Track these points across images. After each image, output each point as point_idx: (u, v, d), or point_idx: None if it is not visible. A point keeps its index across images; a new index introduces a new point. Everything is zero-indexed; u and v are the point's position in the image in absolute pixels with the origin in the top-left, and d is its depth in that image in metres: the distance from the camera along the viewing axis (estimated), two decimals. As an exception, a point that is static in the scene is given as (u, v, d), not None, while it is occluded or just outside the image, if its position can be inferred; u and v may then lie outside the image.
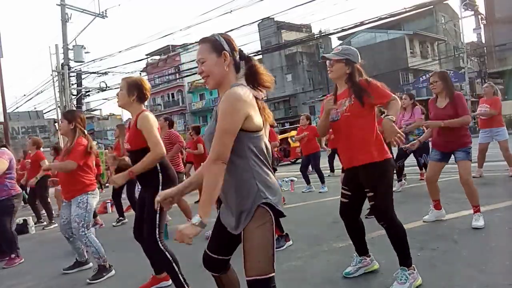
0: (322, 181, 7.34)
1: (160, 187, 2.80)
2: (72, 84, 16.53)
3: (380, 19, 14.88)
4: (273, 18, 28.08)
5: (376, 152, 2.58)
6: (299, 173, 7.98)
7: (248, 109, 1.59)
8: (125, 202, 6.57)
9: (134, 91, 2.88)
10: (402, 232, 2.60)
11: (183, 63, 31.57)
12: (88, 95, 18.13)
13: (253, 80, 1.72)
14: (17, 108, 27.05)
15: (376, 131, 2.65)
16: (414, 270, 2.57)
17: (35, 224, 7.03)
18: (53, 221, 7.03)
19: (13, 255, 4.57)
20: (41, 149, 7.05)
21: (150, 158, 2.76)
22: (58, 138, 16.57)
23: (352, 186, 2.75)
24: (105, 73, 17.43)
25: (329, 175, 9.22)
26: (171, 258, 2.78)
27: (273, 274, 1.64)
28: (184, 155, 6.88)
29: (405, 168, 6.54)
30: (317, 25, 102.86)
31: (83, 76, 17.20)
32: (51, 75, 16.98)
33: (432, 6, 28.27)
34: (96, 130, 35.82)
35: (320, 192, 7.06)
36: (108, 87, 17.20)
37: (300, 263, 3.37)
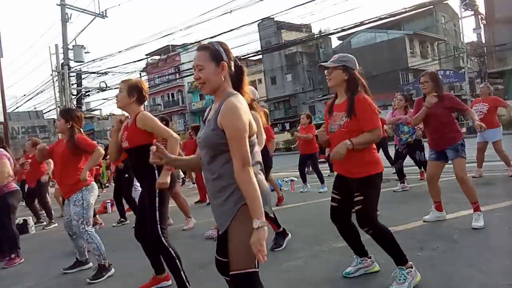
0: (322, 181, 7.35)
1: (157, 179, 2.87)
2: (72, 84, 16.55)
3: (380, 19, 14.92)
4: (273, 18, 28.04)
5: (369, 166, 2.62)
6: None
7: (248, 116, 1.71)
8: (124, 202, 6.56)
9: (134, 92, 2.96)
10: (388, 234, 2.61)
11: (183, 63, 31.57)
12: (88, 95, 18.18)
13: (237, 92, 1.81)
14: (17, 108, 27.07)
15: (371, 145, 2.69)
16: (412, 268, 2.58)
17: (35, 224, 7.02)
18: (53, 220, 7.03)
19: (13, 255, 4.56)
20: None
21: (172, 146, 2.85)
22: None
23: (342, 190, 2.79)
24: (105, 73, 17.46)
25: (329, 175, 9.22)
26: (175, 255, 2.80)
27: (256, 269, 1.70)
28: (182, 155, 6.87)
29: (404, 168, 6.54)
30: (317, 25, 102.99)
31: (83, 76, 17.23)
32: (51, 75, 17.00)
33: (432, 6, 28.32)
34: (96, 130, 35.77)
35: (320, 192, 7.06)
36: (108, 87, 17.22)
37: (300, 263, 3.37)
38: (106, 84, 17.19)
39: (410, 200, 5.57)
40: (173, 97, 46.20)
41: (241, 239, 1.67)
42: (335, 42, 39.93)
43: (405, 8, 14.66)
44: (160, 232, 2.80)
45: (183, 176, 8.22)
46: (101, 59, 18.20)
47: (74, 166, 3.67)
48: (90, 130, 34.03)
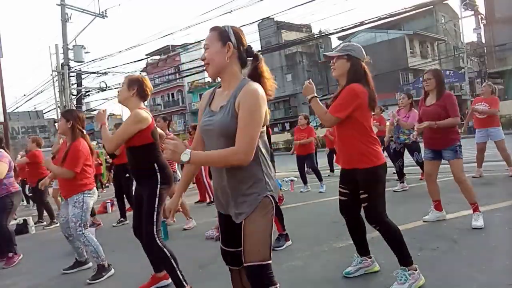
0: (320, 179, 7.33)
1: (158, 186, 2.84)
2: (72, 84, 16.52)
3: (380, 19, 14.88)
4: (273, 18, 28.06)
5: (369, 157, 2.58)
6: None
7: (265, 105, 1.68)
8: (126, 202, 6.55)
9: (134, 86, 2.89)
10: (397, 233, 2.58)
11: (183, 63, 31.54)
12: (88, 95, 18.13)
13: (256, 82, 1.72)
14: (17, 108, 27.09)
15: (370, 136, 2.61)
16: (416, 270, 2.55)
17: (35, 223, 7.02)
18: (55, 220, 7.02)
19: (10, 254, 4.57)
20: (41, 148, 7.03)
21: (104, 140, 2.89)
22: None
23: (349, 184, 2.76)
24: (105, 73, 17.43)
25: (329, 175, 9.22)
26: (169, 255, 2.79)
27: (271, 261, 1.69)
28: None
29: (404, 168, 6.54)
30: (317, 25, 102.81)
31: (83, 76, 17.20)
32: (51, 75, 17.01)
33: (432, 6, 28.30)
34: (96, 130, 35.74)
35: (320, 192, 7.06)
36: (108, 87, 17.19)
37: (300, 263, 3.37)
38: (106, 84, 17.17)
39: (410, 200, 5.57)
40: (173, 97, 46.19)
41: (261, 229, 1.68)
42: (335, 42, 39.95)
43: (405, 8, 14.61)
44: (155, 233, 2.78)
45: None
46: (101, 59, 18.28)
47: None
48: (90, 130, 33.98)
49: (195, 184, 7.99)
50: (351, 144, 2.62)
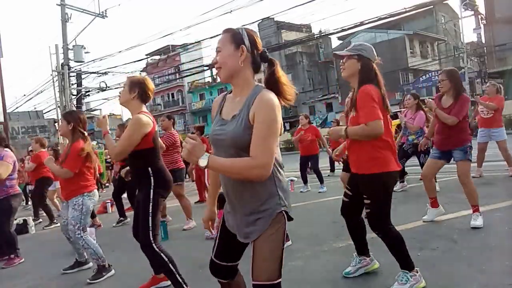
0: (321, 181, 7.34)
1: (152, 190, 2.79)
2: (72, 84, 16.51)
3: (380, 19, 14.88)
4: (273, 18, 28.01)
5: (377, 163, 2.50)
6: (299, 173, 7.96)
7: (280, 114, 1.58)
8: (125, 202, 6.55)
9: (135, 88, 2.85)
10: (398, 240, 2.55)
11: (183, 63, 31.52)
12: (88, 95, 18.12)
13: (274, 89, 1.63)
14: (17, 108, 27.07)
15: (383, 140, 2.52)
16: (417, 273, 2.54)
17: (34, 224, 7.02)
18: (55, 220, 7.02)
19: (12, 255, 4.56)
20: (44, 149, 7.03)
21: (110, 150, 2.88)
22: (58, 138, 16.55)
23: (355, 188, 2.72)
24: (105, 73, 17.42)
25: (328, 175, 9.21)
26: (167, 259, 2.76)
27: (280, 279, 1.61)
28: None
29: (405, 168, 6.53)
30: (317, 25, 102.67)
31: (83, 76, 17.19)
32: (51, 75, 16.98)
33: (432, 6, 28.28)
34: (96, 130, 35.75)
35: (319, 192, 7.06)
36: (108, 87, 17.19)
37: (300, 263, 3.37)
38: (106, 84, 17.16)
39: (410, 200, 5.57)
40: (173, 97, 46.19)
41: (272, 247, 1.59)
42: (335, 42, 39.94)
43: (405, 8, 14.61)
44: (151, 239, 2.75)
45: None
46: (101, 59, 18.21)
47: (78, 172, 3.58)
48: (90, 130, 33.97)
49: (195, 184, 7.97)
50: (362, 148, 2.54)
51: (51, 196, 7.62)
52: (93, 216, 5.83)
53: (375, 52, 2.61)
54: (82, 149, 3.57)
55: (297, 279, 2.99)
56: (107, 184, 14.06)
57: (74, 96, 16.69)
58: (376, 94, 2.47)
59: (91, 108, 24.27)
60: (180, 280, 2.75)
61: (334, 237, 3.95)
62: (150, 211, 2.76)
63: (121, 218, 6.36)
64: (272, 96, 1.57)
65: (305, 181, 7.59)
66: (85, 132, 3.73)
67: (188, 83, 42.97)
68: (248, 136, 1.53)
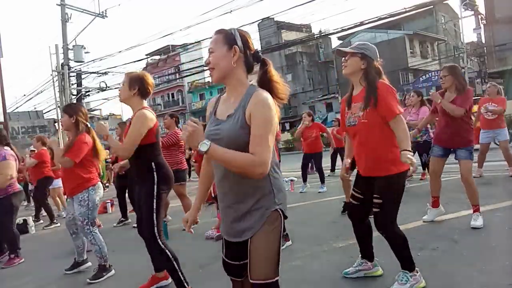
0: (322, 181, 7.34)
1: (155, 186, 2.81)
2: (72, 84, 16.52)
3: (380, 19, 14.88)
4: (273, 18, 27.99)
5: (393, 164, 2.47)
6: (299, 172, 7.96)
7: (276, 114, 1.60)
8: (127, 203, 6.53)
9: (135, 84, 2.83)
10: (402, 241, 2.54)
11: (183, 63, 31.54)
12: (88, 95, 18.12)
13: (267, 88, 1.64)
14: (17, 108, 27.05)
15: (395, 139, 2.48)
16: (417, 273, 2.54)
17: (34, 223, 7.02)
18: (55, 220, 7.01)
19: (12, 255, 4.56)
20: (46, 147, 7.02)
21: (117, 149, 2.91)
22: (58, 138, 16.55)
23: (364, 189, 2.69)
24: (105, 73, 17.42)
25: (329, 175, 9.20)
26: (171, 256, 2.78)
27: (278, 278, 1.62)
28: (186, 155, 6.70)
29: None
30: (317, 25, 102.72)
31: (83, 76, 17.20)
32: (51, 75, 16.98)
33: (432, 6, 28.27)
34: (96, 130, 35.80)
35: (319, 192, 7.06)
36: (108, 87, 17.18)
37: (300, 263, 3.37)
38: (106, 84, 17.16)
39: (410, 200, 5.55)
40: (173, 97, 46.21)
41: (268, 246, 1.60)
42: (335, 42, 39.92)
43: (405, 8, 14.60)
44: (156, 235, 2.76)
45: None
46: (101, 59, 18.21)
47: (80, 165, 3.52)
48: (90, 130, 33.97)
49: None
50: (377, 150, 2.51)
51: (54, 194, 7.61)
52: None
53: (378, 53, 2.63)
54: (90, 143, 3.58)
55: (297, 279, 2.99)
56: (107, 184, 14.05)
57: (74, 96, 16.69)
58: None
59: (91, 108, 24.24)
60: (182, 279, 2.76)
61: (334, 237, 3.95)
62: (154, 206, 2.78)
63: (122, 218, 6.35)
64: (267, 95, 1.59)
65: (304, 179, 7.57)
66: (88, 124, 3.67)
67: (188, 83, 42.98)
68: (244, 135, 1.55)
